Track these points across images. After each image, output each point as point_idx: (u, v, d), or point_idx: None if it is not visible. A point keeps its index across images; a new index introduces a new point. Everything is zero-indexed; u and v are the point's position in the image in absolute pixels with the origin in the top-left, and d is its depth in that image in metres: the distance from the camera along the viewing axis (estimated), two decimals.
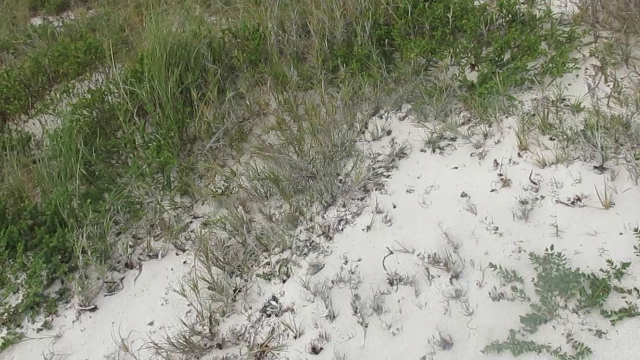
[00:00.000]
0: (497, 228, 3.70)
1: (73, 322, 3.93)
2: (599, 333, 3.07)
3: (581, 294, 3.20)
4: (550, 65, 4.54)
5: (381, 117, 4.75)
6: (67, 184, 4.52)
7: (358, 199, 4.17)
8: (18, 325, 3.95)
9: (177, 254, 4.21)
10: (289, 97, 5.01)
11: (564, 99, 4.35)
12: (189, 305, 3.79)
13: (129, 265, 4.22)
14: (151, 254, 4.24)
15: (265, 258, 3.98)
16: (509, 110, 4.40)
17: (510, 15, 5.01)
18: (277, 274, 3.84)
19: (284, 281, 3.81)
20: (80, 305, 3.97)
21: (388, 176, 4.28)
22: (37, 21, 7.95)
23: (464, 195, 3.97)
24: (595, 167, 3.83)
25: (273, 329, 3.55)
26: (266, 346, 3.45)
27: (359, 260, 3.78)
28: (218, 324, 3.68)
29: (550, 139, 4.11)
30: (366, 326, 3.43)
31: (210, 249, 3.95)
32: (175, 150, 4.79)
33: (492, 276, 3.45)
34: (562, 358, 3.00)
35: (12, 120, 5.79)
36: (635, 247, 3.33)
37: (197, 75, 5.16)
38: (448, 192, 4.03)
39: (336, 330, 3.46)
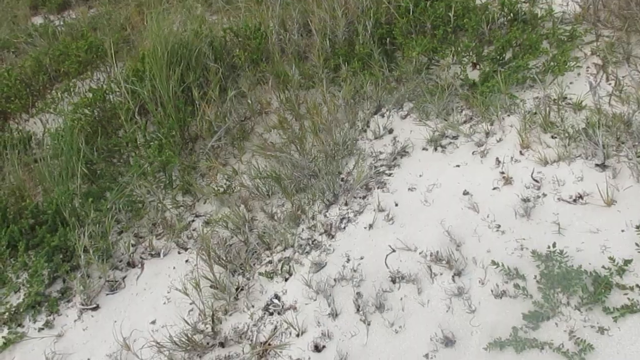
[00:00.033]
0: (499, 226, 3.70)
1: (75, 321, 3.92)
2: (601, 330, 3.07)
3: (583, 291, 3.20)
4: (552, 63, 4.54)
5: (383, 116, 4.75)
6: (68, 183, 4.51)
7: (360, 197, 4.17)
8: (19, 325, 3.93)
9: (179, 253, 4.20)
10: (291, 96, 5.01)
11: (566, 98, 4.35)
12: (191, 303, 3.79)
13: (131, 264, 4.21)
14: (153, 252, 4.24)
15: (268, 256, 3.98)
16: (510, 108, 4.40)
17: (511, 14, 5.02)
18: (280, 272, 3.84)
19: (286, 279, 3.81)
20: (82, 304, 3.97)
21: (390, 174, 4.28)
22: (38, 20, 7.93)
23: (466, 193, 3.97)
24: (596, 165, 3.84)
25: (275, 327, 3.55)
26: (269, 344, 3.45)
27: (361, 258, 3.79)
28: (220, 323, 3.68)
29: (552, 137, 4.12)
30: (369, 324, 3.43)
31: (213, 248, 3.95)
32: (176, 149, 4.79)
33: (495, 274, 3.45)
34: (564, 355, 3.01)
35: (13, 120, 5.79)
36: (637, 244, 3.34)
37: (198, 74, 5.16)
38: (450, 191, 4.03)
39: (338, 328, 3.46)
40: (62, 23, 7.50)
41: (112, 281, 4.11)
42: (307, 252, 3.91)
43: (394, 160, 4.36)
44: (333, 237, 3.97)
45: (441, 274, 3.56)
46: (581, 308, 3.18)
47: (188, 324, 3.63)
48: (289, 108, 4.99)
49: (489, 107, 4.40)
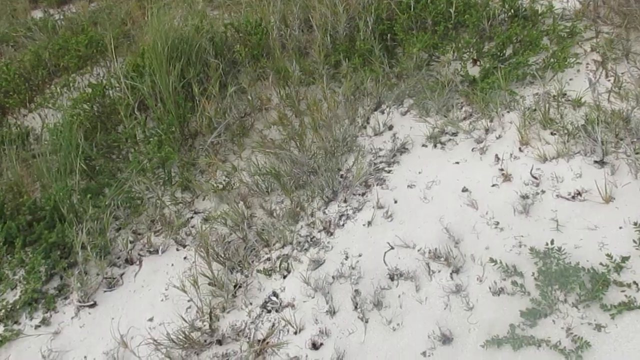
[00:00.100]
0: (497, 223, 3.70)
1: (72, 318, 3.92)
2: (599, 327, 3.07)
3: (581, 288, 3.20)
4: (552, 60, 4.53)
5: (383, 112, 4.74)
6: (66, 179, 4.50)
7: (359, 194, 4.16)
8: (16, 322, 3.93)
9: (177, 250, 4.20)
10: (291, 92, 5.00)
11: (565, 94, 4.34)
12: (189, 301, 3.78)
13: (129, 261, 4.21)
14: (151, 249, 4.23)
15: (266, 254, 3.98)
16: (510, 105, 4.39)
17: (512, 11, 5.01)
18: (278, 269, 3.84)
19: (284, 277, 3.81)
20: (80, 302, 3.97)
21: (389, 171, 4.27)
22: (37, 14, 7.90)
23: (465, 190, 3.96)
24: (595, 162, 3.83)
25: (273, 325, 3.55)
26: (266, 343, 3.45)
27: (360, 255, 3.78)
28: (218, 320, 3.68)
29: (551, 133, 4.11)
30: (366, 321, 3.43)
31: (211, 245, 3.95)
32: (176, 145, 4.78)
33: (493, 271, 3.45)
34: (561, 352, 3.01)
35: (11, 114, 5.77)
36: (634, 241, 3.34)
37: (198, 69, 5.14)
38: (449, 187, 4.02)
39: (336, 325, 3.46)
40: (62, 17, 7.47)
41: (109, 278, 4.11)
42: (305, 250, 3.91)
43: (394, 157, 4.35)
44: (332, 234, 3.96)
45: (439, 271, 3.56)
46: (579, 305, 3.17)
47: (186, 321, 3.63)
48: (289, 104, 4.98)
49: (489, 104, 4.39)
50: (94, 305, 3.96)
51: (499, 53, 4.72)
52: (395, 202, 4.04)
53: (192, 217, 4.42)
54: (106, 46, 5.96)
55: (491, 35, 4.93)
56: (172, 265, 4.10)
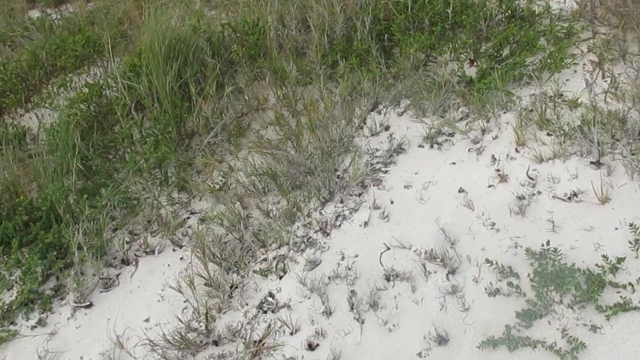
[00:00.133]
0: (494, 224, 3.70)
1: (68, 319, 3.92)
2: (594, 328, 3.07)
3: (576, 289, 3.20)
4: (549, 60, 4.53)
5: (380, 113, 4.74)
6: (63, 179, 4.50)
7: (356, 195, 4.16)
8: (12, 323, 3.93)
9: (173, 250, 4.20)
10: (288, 92, 5.00)
11: (562, 95, 4.34)
12: (185, 301, 3.79)
13: (125, 262, 4.21)
14: (148, 250, 4.23)
15: (262, 254, 3.98)
16: (507, 105, 4.39)
17: (509, 11, 5.01)
18: (274, 270, 3.84)
19: (280, 277, 3.80)
20: (76, 302, 3.96)
21: (386, 172, 4.27)
22: (35, 13, 7.89)
23: (461, 190, 3.96)
24: (591, 163, 3.83)
25: (269, 326, 3.55)
26: (262, 344, 3.45)
27: (356, 256, 3.78)
28: (214, 321, 3.68)
29: (548, 134, 4.11)
30: (362, 322, 3.43)
31: (207, 245, 3.95)
32: (173, 145, 4.77)
33: (489, 272, 3.45)
34: (557, 353, 3.01)
35: (8, 114, 5.75)
36: (630, 242, 3.34)
37: (195, 69, 5.14)
38: (446, 188, 4.02)
39: (332, 326, 3.46)
40: (59, 17, 7.47)
41: (106, 279, 4.10)
42: (302, 250, 3.91)
43: (390, 158, 4.35)
44: (328, 234, 3.96)
45: (435, 272, 3.56)
46: (574, 306, 3.18)
47: (182, 322, 3.63)
48: (286, 104, 4.98)
49: (486, 104, 4.39)
50: (90, 305, 3.96)
51: (495, 53, 4.72)
52: (392, 202, 4.04)
53: (188, 218, 4.42)
54: (103, 46, 5.95)
55: (488, 36, 4.93)
56: (169, 265, 4.10)
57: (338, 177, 4.32)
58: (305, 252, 3.88)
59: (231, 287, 3.81)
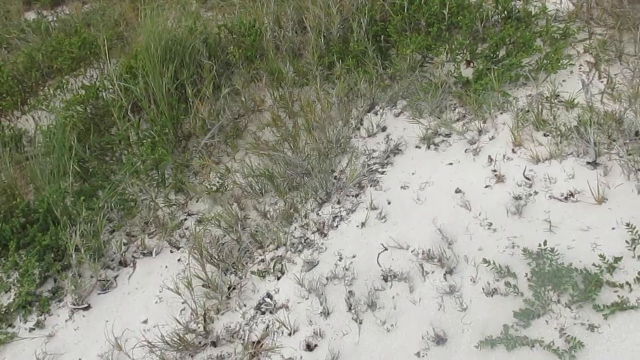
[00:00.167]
0: (491, 224, 3.71)
1: (66, 321, 3.91)
2: (592, 327, 3.08)
3: (574, 289, 3.21)
4: (545, 61, 4.54)
5: (376, 114, 4.75)
6: (60, 181, 4.49)
7: (353, 196, 4.16)
8: (10, 325, 3.92)
9: (171, 252, 4.19)
10: (285, 94, 5.00)
11: (558, 95, 4.36)
12: (183, 303, 3.78)
13: (122, 263, 4.20)
14: (145, 251, 4.23)
15: (260, 255, 3.98)
16: (503, 106, 4.40)
17: (505, 12, 5.03)
18: (272, 271, 3.84)
19: (278, 278, 3.81)
20: (74, 304, 3.95)
21: (383, 172, 4.27)
22: (31, 15, 7.86)
23: (458, 191, 3.97)
24: (588, 163, 3.84)
25: (267, 326, 3.55)
26: (261, 345, 3.45)
27: (354, 256, 3.79)
28: (212, 322, 3.67)
29: (544, 135, 4.12)
30: (360, 323, 3.43)
31: (205, 247, 3.95)
32: (169, 147, 4.77)
33: (486, 272, 3.46)
34: (554, 352, 3.02)
35: (4, 117, 5.73)
36: (627, 242, 3.35)
37: (192, 71, 5.14)
38: (442, 188, 4.03)
39: (330, 327, 3.46)
40: (55, 19, 7.45)
41: (103, 280, 4.10)
42: (299, 251, 3.91)
43: (387, 159, 4.36)
44: (325, 235, 3.96)
45: (433, 272, 3.57)
46: (571, 306, 3.18)
47: (180, 323, 3.63)
48: (283, 106, 4.98)
49: (482, 105, 4.40)
50: (88, 307, 3.95)
51: (492, 54, 4.73)
52: (389, 203, 4.05)
53: (185, 219, 4.41)
54: (99, 48, 5.94)
55: (484, 37, 4.95)
56: (166, 267, 4.09)
57: (335, 178, 4.32)
58: (303, 253, 3.88)
59: (229, 288, 3.81)
